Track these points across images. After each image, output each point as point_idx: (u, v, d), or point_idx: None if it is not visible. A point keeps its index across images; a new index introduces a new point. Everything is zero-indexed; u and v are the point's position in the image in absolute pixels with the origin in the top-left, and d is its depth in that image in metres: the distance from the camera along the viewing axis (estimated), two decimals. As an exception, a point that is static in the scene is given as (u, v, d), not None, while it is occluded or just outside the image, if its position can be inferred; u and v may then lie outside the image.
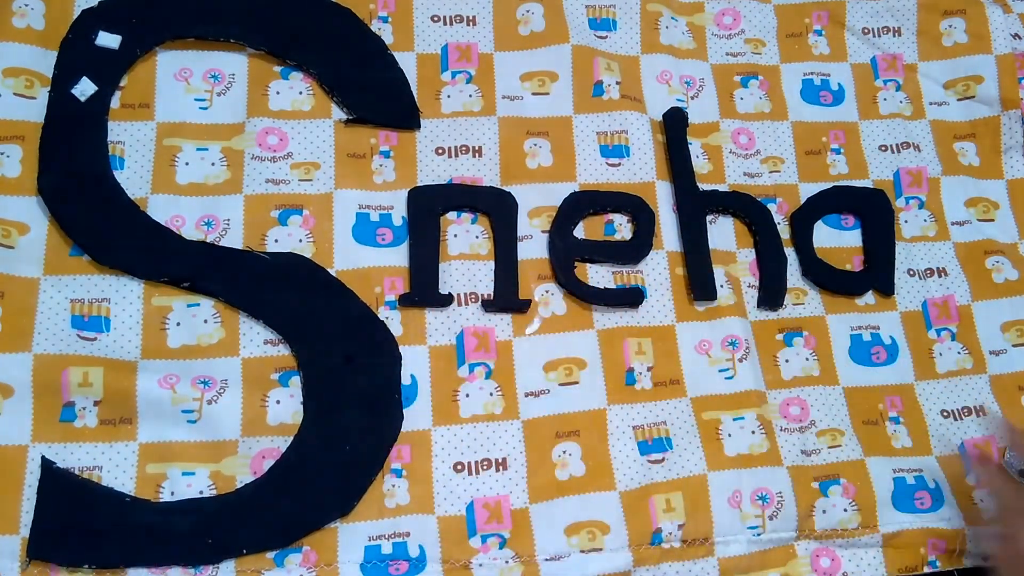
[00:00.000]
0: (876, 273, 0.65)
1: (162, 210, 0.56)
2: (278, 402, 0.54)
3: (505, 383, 0.57)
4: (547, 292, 0.60)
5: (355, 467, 0.53)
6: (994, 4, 0.73)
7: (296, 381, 0.54)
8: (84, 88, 0.57)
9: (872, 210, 0.67)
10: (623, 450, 0.57)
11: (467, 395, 0.56)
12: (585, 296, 0.60)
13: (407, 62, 0.63)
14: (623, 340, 0.59)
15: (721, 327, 0.61)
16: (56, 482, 0.50)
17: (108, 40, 0.58)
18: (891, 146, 0.69)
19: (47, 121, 0.56)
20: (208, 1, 0.61)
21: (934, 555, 0.57)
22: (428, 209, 0.60)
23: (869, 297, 0.65)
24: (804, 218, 0.65)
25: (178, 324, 0.54)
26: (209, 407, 0.53)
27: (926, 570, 0.57)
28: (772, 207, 0.65)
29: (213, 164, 0.58)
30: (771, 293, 0.63)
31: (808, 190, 0.66)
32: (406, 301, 0.57)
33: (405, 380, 0.56)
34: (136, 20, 0.59)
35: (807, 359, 0.62)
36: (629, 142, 0.64)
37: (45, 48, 0.58)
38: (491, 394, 0.57)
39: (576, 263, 0.61)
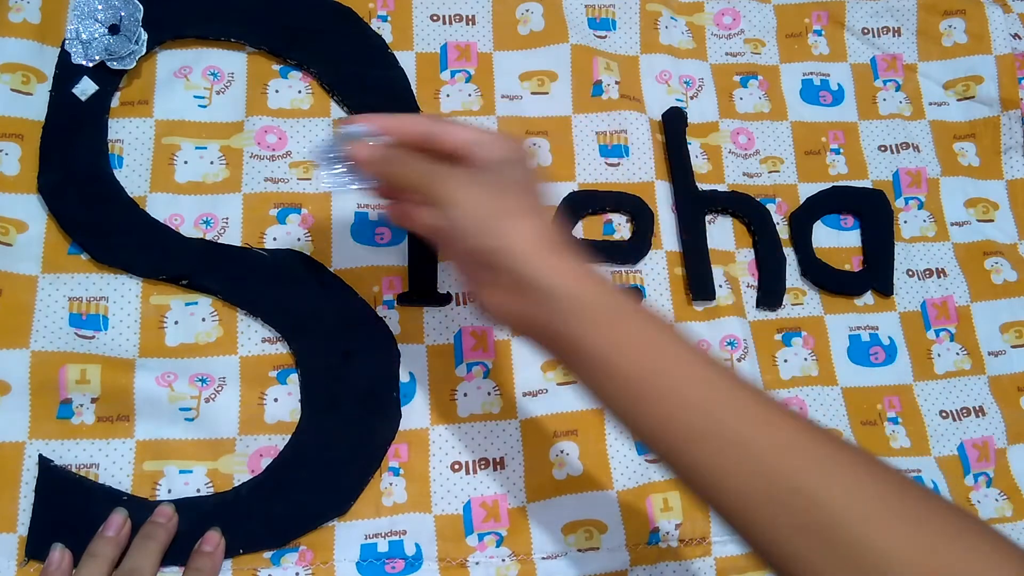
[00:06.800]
0: (875, 273, 0.65)
1: (161, 209, 0.56)
2: (276, 400, 0.54)
3: (503, 382, 0.57)
4: (545, 291, 0.59)
5: (353, 465, 0.53)
6: (994, 4, 0.73)
7: (294, 379, 0.54)
8: (84, 88, 0.57)
9: (871, 210, 0.66)
10: (620, 449, 0.56)
11: (465, 394, 0.56)
12: (583, 295, 0.59)
13: (407, 61, 0.63)
14: (621, 340, 0.59)
15: (720, 327, 0.61)
16: (53, 480, 0.50)
17: (107, 38, 0.58)
18: (890, 146, 0.69)
19: (48, 121, 0.56)
20: (208, 0, 0.61)
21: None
22: (427, 208, 0.59)
23: (868, 297, 0.65)
24: (803, 218, 0.65)
25: (176, 323, 0.54)
26: (207, 405, 0.53)
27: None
28: (771, 207, 0.65)
29: (212, 163, 0.58)
30: (770, 293, 0.63)
31: (807, 190, 0.66)
32: (404, 300, 0.57)
33: (403, 377, 0.56)
34: (135, 18, 0.59)
35: (806, 359, 0.62)
36: (628, 142, 0.64)
37: (42, 43, 0.57)
38: (489, 393, 0.57)
39: (574, 262, 0.60)
